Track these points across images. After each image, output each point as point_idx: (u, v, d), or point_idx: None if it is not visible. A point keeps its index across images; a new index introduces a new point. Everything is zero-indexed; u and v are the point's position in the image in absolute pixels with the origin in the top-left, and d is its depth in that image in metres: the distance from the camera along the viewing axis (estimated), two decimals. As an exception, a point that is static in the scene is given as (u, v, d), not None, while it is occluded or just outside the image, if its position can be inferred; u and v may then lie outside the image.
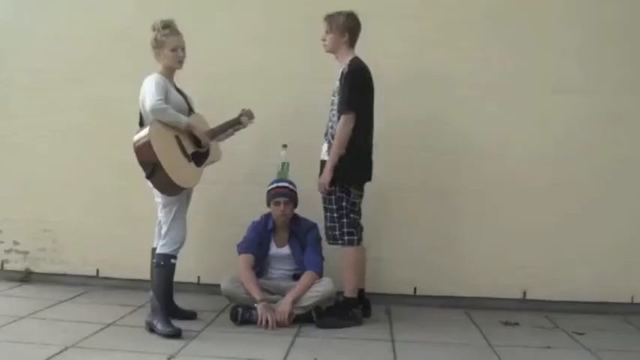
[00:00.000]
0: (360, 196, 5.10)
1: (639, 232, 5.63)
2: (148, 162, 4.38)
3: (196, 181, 4.69)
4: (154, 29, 4.68)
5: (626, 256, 5.61)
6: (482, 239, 5.68)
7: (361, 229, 5.10)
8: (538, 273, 5.63)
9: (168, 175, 4.37)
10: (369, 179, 5.11)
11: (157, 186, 4.49)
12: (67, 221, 5.90)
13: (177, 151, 4.55)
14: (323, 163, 5.01)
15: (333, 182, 4.93)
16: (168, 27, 4.69)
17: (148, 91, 4.50)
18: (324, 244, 5.16)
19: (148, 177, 4.40)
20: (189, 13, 5.52)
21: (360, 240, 5.06)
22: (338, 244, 5.01)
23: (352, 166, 4.93)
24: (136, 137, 4.45)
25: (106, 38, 5.82)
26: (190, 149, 4.64)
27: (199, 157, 4.72)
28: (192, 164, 4.65)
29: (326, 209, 5.03)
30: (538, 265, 5.63)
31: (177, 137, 4.57)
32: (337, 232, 4.99)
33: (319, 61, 5.20)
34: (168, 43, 4.67)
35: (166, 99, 4.55)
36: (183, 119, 4.58)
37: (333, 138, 4.94)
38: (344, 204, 4.96)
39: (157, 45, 4.68)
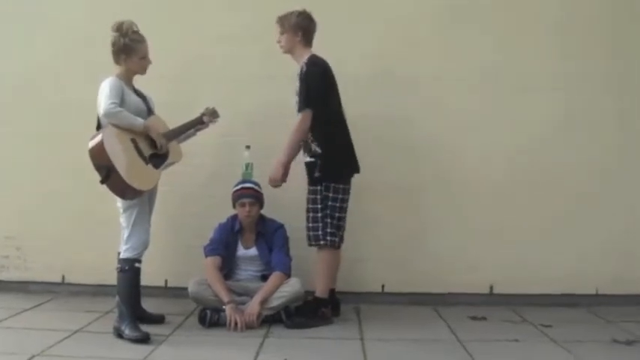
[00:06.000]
0: (348, 191, 5.05)
1: (603, 226, 5.70)
2: (102, 166, 4.35)
3: (153, 183, 4.66)
4: (117, 30, 4.62)
5: (591, 249, 5.68)
6: (449, 236, 5.71)
7: (343, 231, 5.09)
8: (504, 268, 5.68)
9: (123, 179, 4.35)
10: (357, 171, 5.12)
11: (113, 190, 4.45)
12: (30, 228, 5.82)
13: (133, 153, 4.51)
14: (306, 165, 5.00)
15: (318, 181, 4.93)
16: (135, 32, 4.66)
17: (102, 95, 4.47)
18: (301, 244, 5.13)
19: (103, 181, 4.37)
20: (153, 13, 5.52)
21: (341, 242, 5.06)
22: (319, 244, 4.97)
23: (335, 162, 4.95)
24: (91, 142, 4.41)
25: (66, 42, 5.76)
26: (148, 151, 4.61)
27: (158, 158, 4.69)
28: (150, 166, 4.61)
29: (309, 209, 5.00)
30: (504, 260, 5.67)
31: (133, 140, 4.53)
32: (320, 233, 4.95)
33: (282, 62, 5.18)
34: (138, 50, 4.66)
35: (123, 102, 4.53)
36: (139, 121, 4.54)
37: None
38: (329, 203, 4.94)
39: (124, 50, 4.63)
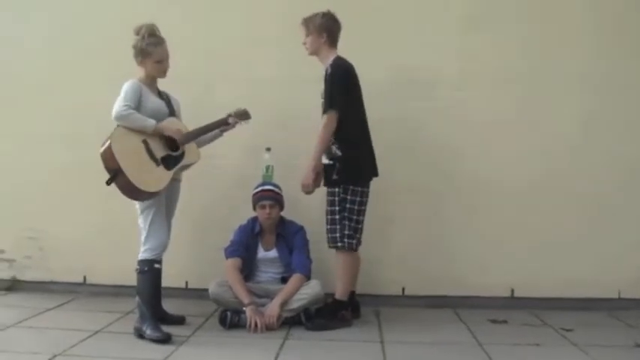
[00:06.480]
0: (367, 194, 5.05)
1: (625, 229, 5.67)
2: (110, 168, 4.41)
3: (163, 185, 4.59)
4: (137, 34, 4.66)
5: (612, 252, 5.63)
6: (469, 238, 5.70)
7: (361, 233, 5.07)
8: (525, 271, 5.65)
9: (129, 179, 4.38)
10: (376, 175, 5.12)
11: (124, 192, 4.48)
12: (52, 228, 5.86)
13: (143, 155, 4.53)
14: (325, 167, 5.00)
15: (336, 184, 4.94)
16: (153, 35, 4.68)
17: (118, 97, 4.51)
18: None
19: (109, 183, 4.41)
20: (173, 16, 5.53)
21: (358, 244, 5.04)
22: (337, 246, 4.98)
23: (355, 165, 4.95)
24: (101, 146, 4.47)
25: (89, 43, 5.80)
26: (161, 153, 4.62)
27: (172, 159, 4.69)
28: (161, 168, 4.60)
29: (327, 211, 5.01)
30: (525, 263, 5.65)
31: (144, 141, 4.55)
32: (337, 235, 4.96)
33: (305, 64, 5.19)
34: (154, 54, 4.67)
35: (140, 105, 4.56)
36: (150, 123, 4.54)
37: None
38: (347, 205, 4.94)
39: (141, 53, 4.67)
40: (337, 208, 4.96)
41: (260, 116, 5.40)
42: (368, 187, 5.07)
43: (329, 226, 5.00)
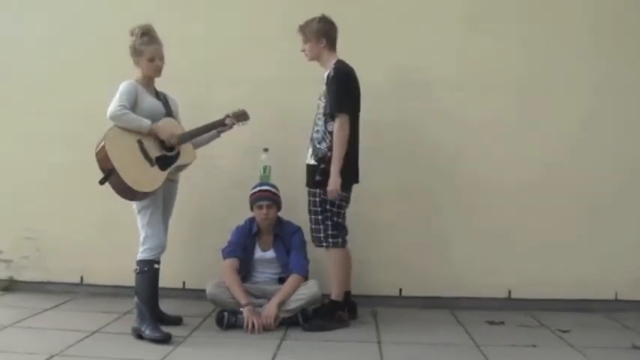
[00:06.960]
0: (348, 199, 5.07)
1: (623, 230, 5.65)
2: (105, 168, 4.44)
3: (157, 185, 4.58)
4: (132, 34, 4.68)
5: (611, 253, 5.63)
6: (467, 239, 5.69)
7: (346, 232, 5.09)
8: (522, 272, 5.65)
9: (122, 179, 4.40)
10: (357, 181, 5.10)
11: (118, 192, 4.51)
12: (50, 229, 5.86)
13: (137, 155, 4.54)
14: (309, 167, 5.01)
15: (319, 185, 4.93)
16: (146, 34, 4.68)
17: (114, 98, 4.52)
18: (311, 247, 5.16)
19: (102, 182, 4.43)
20: (173, 16, 5.57)
21: (344, 242, 5.05)
22: (322, 246, 5.01)
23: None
24: (96, 147, 4.49)
25: (89, 43, 5.80)
26: (155, 153, 4.62)
27: (167, 160, 4.69)
28: (155, 168, 4.61)
29: (310, 211, 5.02)
30: (522, 264, 5.65)
31: (139, 141, 4.56)
32: (322, 235, 4.98)
33: (304, 65, 5.16)
34: (146, 52, 4.67)
35: (136, 105, 4.57)
36: (145, 123, 4.55)
37: (318, 142, 4.96)
38: (328, 207, 4.95)
39: (135, 53, 4.68)
40: (319, 209, 4.97)
41: (259, 116, 5.39)
42: (349, 191, 5.06)
43: (313, 226, 5.02)
